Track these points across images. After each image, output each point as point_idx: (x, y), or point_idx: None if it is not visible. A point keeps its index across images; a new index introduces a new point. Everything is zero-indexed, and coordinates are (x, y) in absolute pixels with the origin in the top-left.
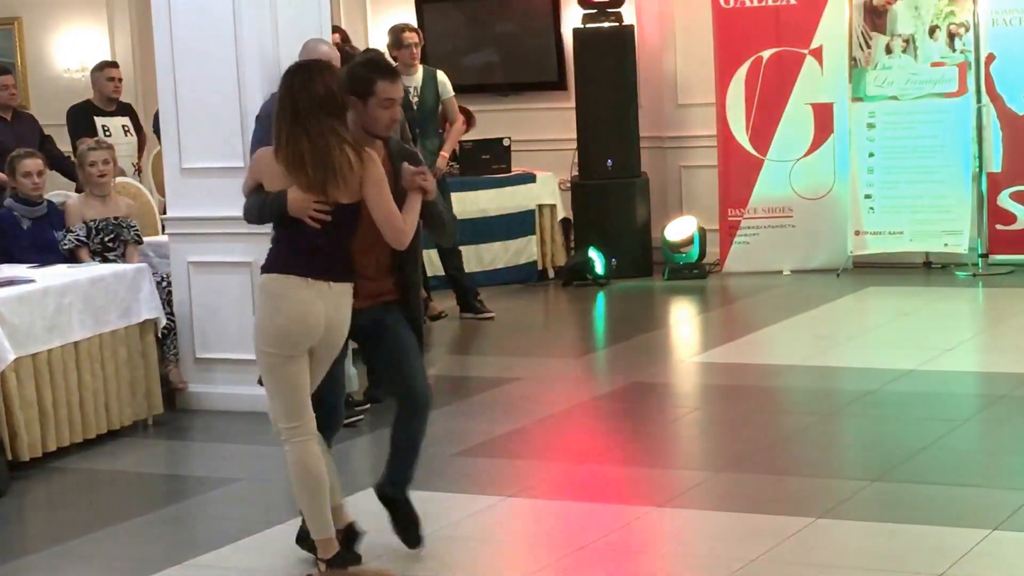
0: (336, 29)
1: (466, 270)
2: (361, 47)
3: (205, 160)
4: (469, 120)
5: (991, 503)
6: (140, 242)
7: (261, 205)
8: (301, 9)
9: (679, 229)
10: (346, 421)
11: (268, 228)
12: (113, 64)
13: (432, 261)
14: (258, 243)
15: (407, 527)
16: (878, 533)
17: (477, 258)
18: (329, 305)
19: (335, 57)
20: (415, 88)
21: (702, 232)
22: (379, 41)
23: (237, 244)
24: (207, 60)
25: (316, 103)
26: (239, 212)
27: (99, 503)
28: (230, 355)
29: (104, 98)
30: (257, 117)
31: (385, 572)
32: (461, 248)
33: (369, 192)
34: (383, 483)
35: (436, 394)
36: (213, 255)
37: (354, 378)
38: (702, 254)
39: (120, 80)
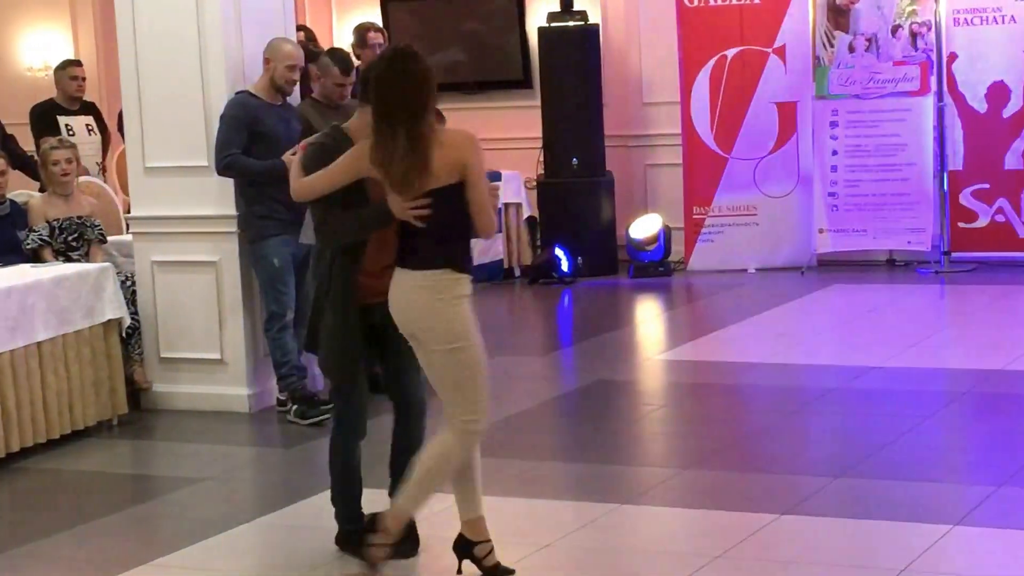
0: (301, 28)
1: None
2: (326, 46)
3: (169, 159)
4: (438, 118)
5: (954, 498)
6: (104, 241)
7: (362, 221)
8: (265, 8)
9: (644, 227)
10: (313, 420)
11: (233, 227)
12: (76, 63)
13: None
14: (222, 242)
15: (406, 537)
16: (842, 529)
17: None
18: None
19: (299, 56)
20: None
21: (667, 230)
22: (345, 40)
23: (201, 243)
24: (171, 59)
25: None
26: (203, 211)
27: (64, 503)
28: (195, 355)
29: (67, 97)
30: (221, 116)
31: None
32: None
33: (473, 175)
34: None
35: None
36: (177, 254)
37: (319, 377)
38: (667, 252)
39: (83, 79)
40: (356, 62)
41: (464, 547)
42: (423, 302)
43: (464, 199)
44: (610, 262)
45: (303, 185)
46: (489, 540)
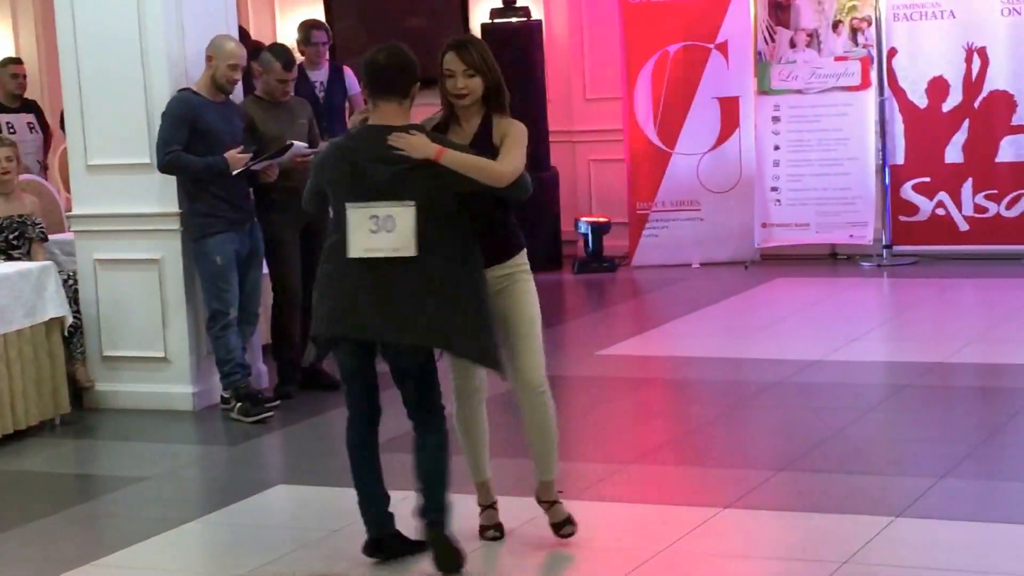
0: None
1: None
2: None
3: (111, 157)
4: None
5: (895, 491)
6: (45, 240)
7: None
8: (207, 5)
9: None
10: (257, 417)
11: (176, 225)
12: (16, 60)
13: None
14: (165, 240)
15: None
16: (785, 522)
17: None
18: None
19: (242, 55)
20: (321, 83)
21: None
22: (288, 36)
23: (144, 241)
24: (112, 56)
25: None
26: (146, 209)
27: (6, 503)
28: (138, 353)
29: (8, 95)
30: (163, 114)
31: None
32: None
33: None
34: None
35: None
36: (120, 252)
37: (263, 374)
38: (600, 248)
39: (24, 77)
40: (299, 59)
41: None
42: (527, 282)
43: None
44: (554, 257)
45: (518, 165)
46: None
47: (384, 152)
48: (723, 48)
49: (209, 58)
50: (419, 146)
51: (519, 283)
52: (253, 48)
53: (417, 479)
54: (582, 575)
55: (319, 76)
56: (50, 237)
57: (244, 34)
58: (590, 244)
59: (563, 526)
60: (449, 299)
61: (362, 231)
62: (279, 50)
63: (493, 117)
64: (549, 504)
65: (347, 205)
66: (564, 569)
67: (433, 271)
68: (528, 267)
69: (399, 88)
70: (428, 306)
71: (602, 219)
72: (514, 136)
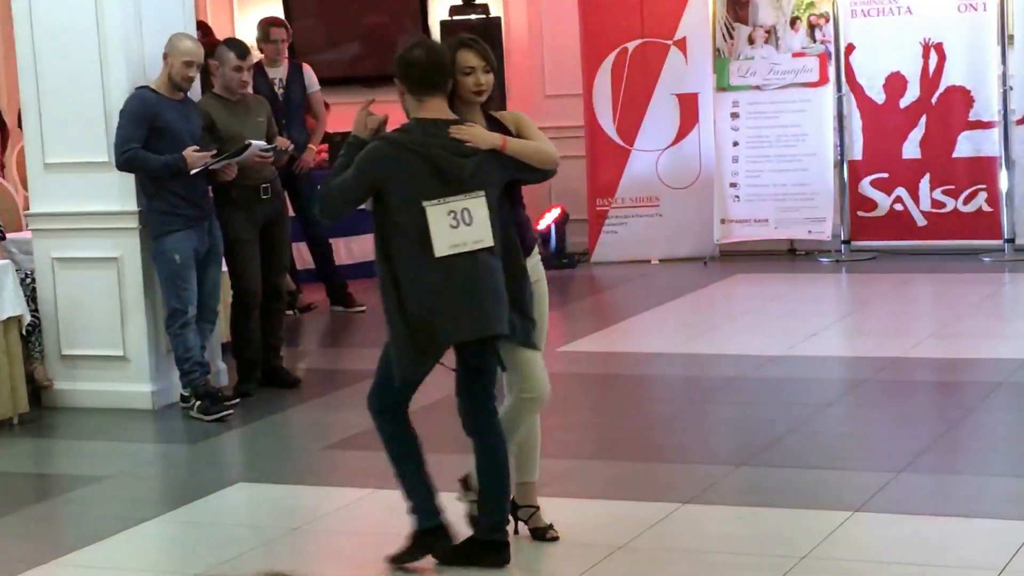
0: (199, 25)
1: (336, 263)
2: None
3: (69, 155)
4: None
5: (853, 485)
6: (3, 238)
7: None
8: (165, 3)
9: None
10: (216, 415)
11: (134, 223)
12: None
13: (302, 254)
14: (123, 238)
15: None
16: (743, 517)
17: (347, 250)
18: None
19: (198, 52)
20: (280, 81)
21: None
22: (246, 34)
23: (102, 240)
24: (70, 54)
25: None
26: (104, 207)
27: None
28: (96, 352)
29: None
30: (121, 112)
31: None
32: (331, 241)
33: None
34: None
35: (307, 386)
36: (78, 251)
37: (223, 372)
38: (560, 244)
39: None
40: (258, 56)
41: (513, 510)
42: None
43: None
44: None
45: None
46: (534, 507)
47: (456, 145)
48: (682, 45)
49: (166, 56)
50: (484, 136)
51: (535, 284)
52: (211, 46)
53: (490, 483)
54: (542, 571)
55: (278, 74)
56: (8, 236)
57: (208, 30)
58: (552, 241)
59: (548, 530)
60: (505, 288)
61: (443, 228)
62: (233, 42)
63: (490, 113)
64: (534, 508)
65: (425, 204)
66: (524, 565)
67: (498, 261)
68: (542, 268)
69: (443, 83)
70: (503, 295)
71: (555, 208)
72: (530, 122)
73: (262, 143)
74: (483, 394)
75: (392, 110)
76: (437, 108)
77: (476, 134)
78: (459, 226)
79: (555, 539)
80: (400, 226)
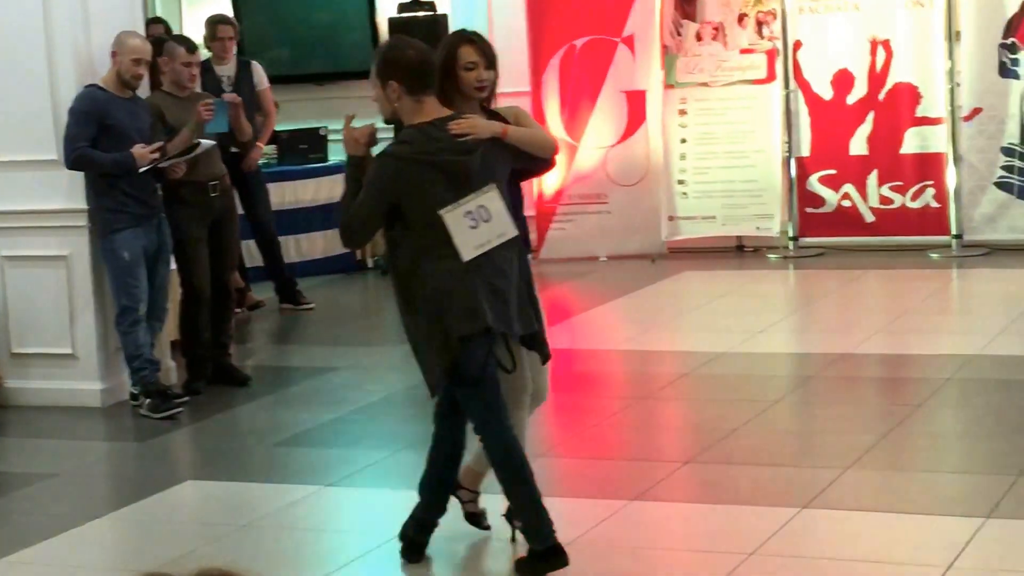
0: (158, 20)
1: (285, 260)
2: None
3: (17, 153)
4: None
5: (801, 482)
6: None
7: None
8: (114, 1)
9: None
10: (166, 413)
11: (83, 221)
12: None
13: (251, 251)
14: (72, 236)
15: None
16: (691, 514)
17: (296, 248)
18: None
19: (145, 50)
20: (228, 78)
21: None
22: (194, 31)
23: (52, 238)
24: (16, 52)
25: None
26: (53, 205)
27: None
28: (46, 350)
29: None
30: (70, 110)
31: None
32: (280, 238)
33: None
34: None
35: (256, 384)
36: (26, 249)
37: (172, 370)
38: None
39: None
40: (207, 54)
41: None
42: None
43: None
44: None
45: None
46: (473, 491)
47: (460, 144)
48: (629, 42)
49: (114, 54)
50: (485, 126)
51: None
52: (155, 41)
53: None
54: (495, 568)
55: (226, 71)
56: None
57: (166, 27)
58: None
59: (478, 517)
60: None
61: (464, 230)
62: (180, 37)
63: (489, 108)
64: (474, 493)
65: (441, 212)
66: (482, 564)
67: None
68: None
69: (435, 81)
70: (523, 290)
71: None
72: (527, 115)
73: (211, 143)
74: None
75: (342, 106)
76: (433, 106)
77: (476, 125)
78: (478, 225)
79: (487, 528)
80: (429, 242)
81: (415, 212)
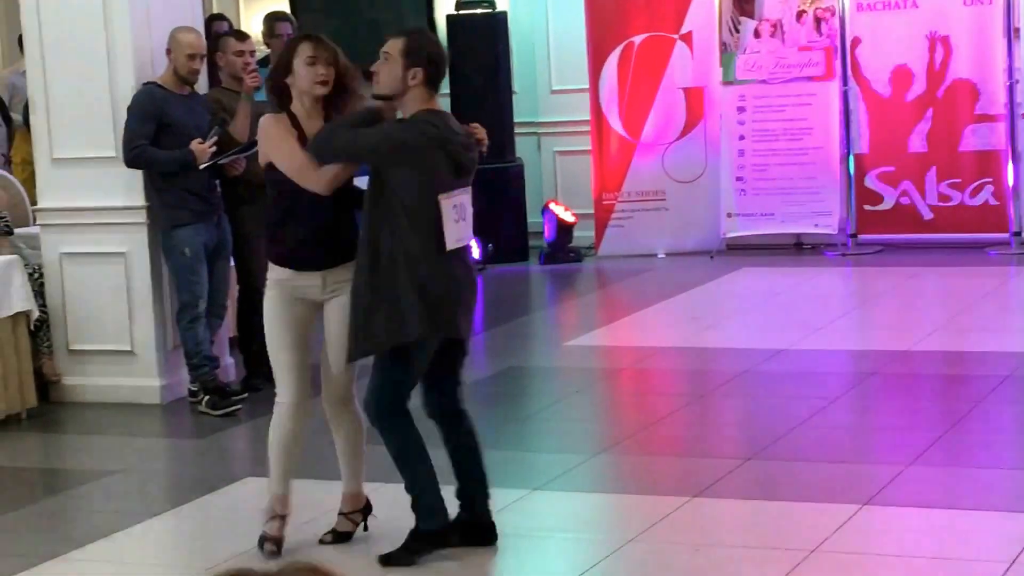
0: (221, 17)
1: None
2: None
3: (77, 150)
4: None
5: (861, 479)
6: (11, 233)
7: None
8: None
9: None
10: (224, 410)
11: (142, 218)
12: None
13: None
14: (131, 233)
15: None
16: (752, 511)
17: None
18: None
19: (200, 45)
20: None
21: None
22: (253, 29)
23: (110, 235)
24: (77, 50)
25: None
26: (112, 202)
27: None
28: (104, 346)
29: None
30: (128, 108)
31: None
32: None
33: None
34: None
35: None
36: (86, 246)
37: (231, 367)
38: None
39: None
40: (266, 51)
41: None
42: None
43: (269, 186)
44: (521, 248)
45: None
46: (358, 512)
47: (466, 140)
48: (688, 39)
49: (168, 51)
50: (483, 133)
51: (342, 296)
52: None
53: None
54: (552, 565)
55: None
56: (15, 231)
57: (229, 24)
58: (552, 234)
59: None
60: None
61: (450, 221)
62: (231, 30)
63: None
64: (363, 515)
65: (440, 197)
66: (534, 559)
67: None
68: None
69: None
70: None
71: (570, 219)
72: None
73: None
74: (456, 385)
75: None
76: (435, 100)
77: (484, 133)
78: (459, 221)
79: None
80: (413, 215)
81: (415, 188)
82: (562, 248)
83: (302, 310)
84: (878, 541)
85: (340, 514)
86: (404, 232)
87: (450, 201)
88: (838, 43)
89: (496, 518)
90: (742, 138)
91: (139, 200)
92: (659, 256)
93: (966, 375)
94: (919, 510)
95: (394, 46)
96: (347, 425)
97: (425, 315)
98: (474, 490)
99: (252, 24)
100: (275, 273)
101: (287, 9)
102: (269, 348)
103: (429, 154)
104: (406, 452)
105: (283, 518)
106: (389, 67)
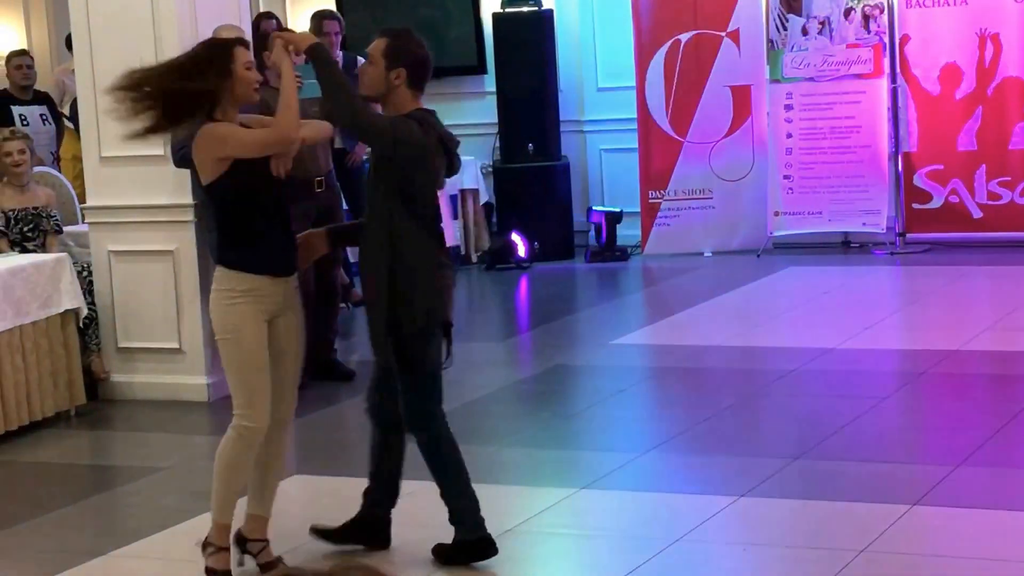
0: (270, 15)
1: None
2: None
3: (124, 148)
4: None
5: (911, 479)
6: (60, 231)
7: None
8: None
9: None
10: None
11: (190, 216)
12: (21, 52)
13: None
14: (179, 231)
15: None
16: (800, 510)
17: None
18: None
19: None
20: None
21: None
22: (300, 27)
23: (158, 232)
24: (125, 48)
25: None
26: (160, 200)
27: (22, 495)
28: (152, 344)
29: (17, 87)
30: None
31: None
32: None
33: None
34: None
35: (360, 379)
36: (134, 244)
37: None
38: (612, 237)
39: (28, 67)
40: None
41: (239, 542)
42: (212, 295)
43: (236, 194)
44: (566, 247)
45: None
46: (265, 540)
47: (453, 139)
48: (735, 36)
49: None
50: None
51: (298, 308)
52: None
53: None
54: (599, 564)
55: None
56: (64, 229)
57: (278, 22)
58: (603, 233)
59: (279, 563)
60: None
61: (446, 215)
62: (279, 28)
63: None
64: (265, 542)
65: (440, 194)
66: (581, 558)
67: None
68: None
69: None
70: None
71: (615, 209)
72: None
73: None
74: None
75: (446, 102)
76: (418, 101)
77: None
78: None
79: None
80: (416, 210)
81: (417, 182)
82: (612, 241)
83: (266, 326)
84: (928, 542)
85: (253, 540)
86: (414, 227)
87: (441, 196)
88: (887, 40)
89: (543, 516)
90: (789, 136)
91: (187, 198)
92: (705, 255)
93: (1016, 375)
94: (969, 511)
95: (376, 47)
96: (279, 447)
97: (440, 304)
98: (388, 493)
99: (299, 22)
100: (247, 283)
101: (333, 7)
102: (240, 368)
103: (431, 155)
104: (451, 459)
105: (227, 550)
106: (372, 68)
